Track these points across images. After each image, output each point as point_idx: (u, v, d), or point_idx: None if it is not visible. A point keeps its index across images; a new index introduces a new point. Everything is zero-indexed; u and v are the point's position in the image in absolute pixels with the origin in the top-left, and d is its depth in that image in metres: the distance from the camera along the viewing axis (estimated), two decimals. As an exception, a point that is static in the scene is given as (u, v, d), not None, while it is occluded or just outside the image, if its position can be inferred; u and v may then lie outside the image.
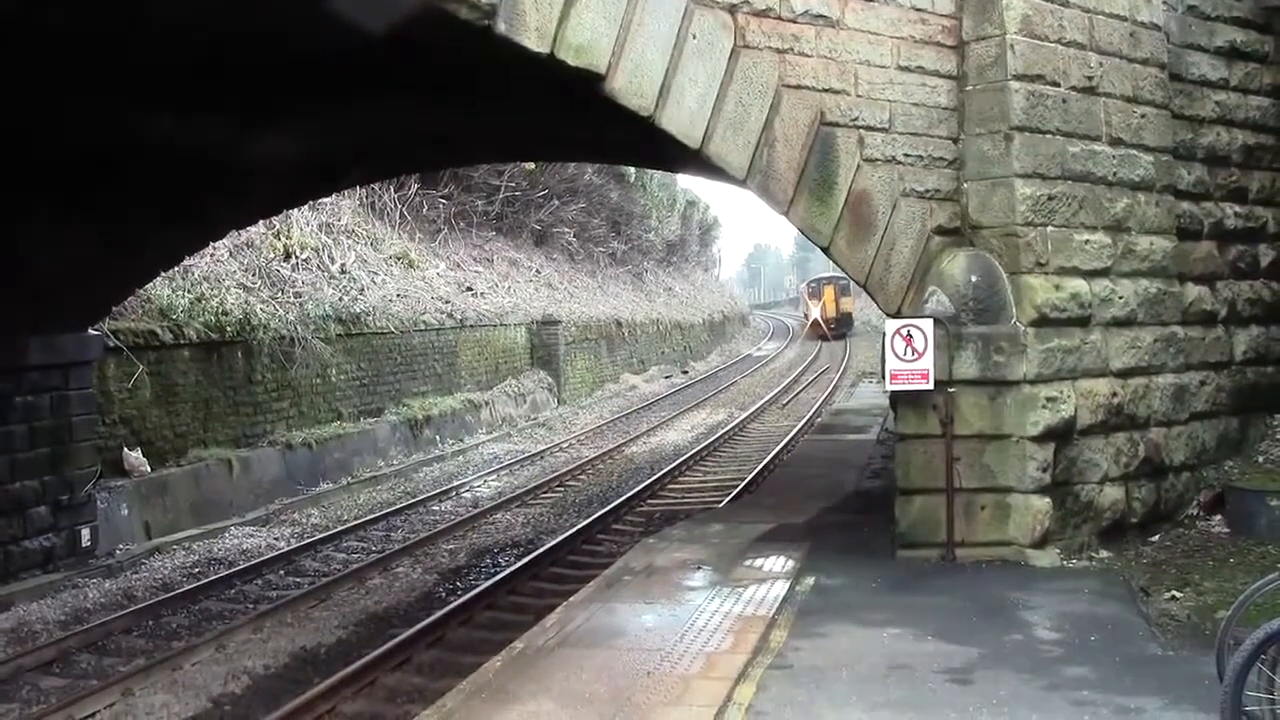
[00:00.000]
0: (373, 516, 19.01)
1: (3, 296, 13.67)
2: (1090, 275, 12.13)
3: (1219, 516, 13.01)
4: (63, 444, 15.45)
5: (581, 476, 23.17)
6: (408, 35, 9.40)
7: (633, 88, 9.85)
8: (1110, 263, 12.35)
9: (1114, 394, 12.16)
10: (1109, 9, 12.50)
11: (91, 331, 16.10)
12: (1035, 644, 8.86)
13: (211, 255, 21.65)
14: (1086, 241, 12.13)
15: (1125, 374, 12.37)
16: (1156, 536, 12.56)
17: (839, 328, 69.24)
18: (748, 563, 11.85)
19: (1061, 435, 11.61)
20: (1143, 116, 12.83)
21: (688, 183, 72.90)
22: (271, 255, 24.31)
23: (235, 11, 9.20)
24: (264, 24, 9.71)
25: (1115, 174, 12.48)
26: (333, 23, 8.45)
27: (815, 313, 71.35)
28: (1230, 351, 14.01)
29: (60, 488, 15.32)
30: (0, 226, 12.79)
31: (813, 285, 75.58)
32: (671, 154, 12.14)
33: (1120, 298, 12.36)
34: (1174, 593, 10.53)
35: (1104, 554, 11.79)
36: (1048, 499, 11.45)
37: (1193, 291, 13.46)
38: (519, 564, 14.85)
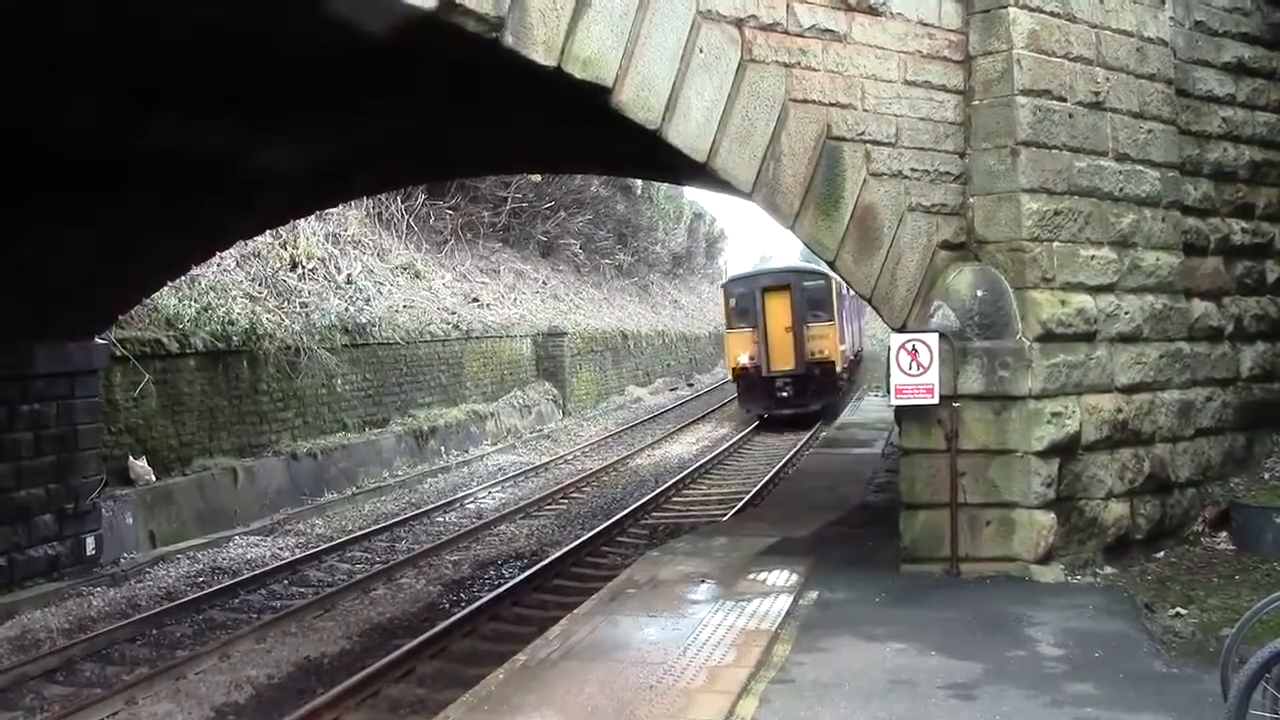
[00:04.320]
0: (377, 527, 19.03)
1: (9, 303, 13.71)
2: (1096, 291, 12.11)
3: (1224, 533, 12.97)
4: (68, 452, 15.49)
5: (586, 489, 23.18)
6: (414, 45, 9.44)
7: (640, 101, 9.86)
8: (1116, 278, 12.33)
9: (1119, 409, 12.14)
10: (1116, 24, 12.50)
11: (98, 340, 16.14)
12: (1039, 660, 8.82)
13: (218, 265, 21.71)
14: (1092, 257, 12.12)
15: (1131, 389, 12.34)
16: (1161, 553, 12.51)
17: (804, 395, 31.93)
18: (751, 576, 11.82)
19: (1066, 450, 11.59)
20: (1149, 132, 12.83)
21: (694, 194, 71.10)
22: (278, 265, 24.39)
23: (238, 18, 9.23)
24: (267, 31, 9.73)
25: (1121, 189, 12.47)
26: (338, 31, 8.48)
27: (743, 357, 32.41)
28: (1236, 368, 13.99)
29: (65, 496, 15.36)
30: (5, 232, 12.82)
31: (740, 292, 33.39)
32: (678, 166, 12.13)
33: (1126, 313, 12.34)
34: (1178, 610, 10.48)
35: (1108, 570, 11.75)
36: (1052, 514, 11.41)
37: (1199, 307, 13.44)
38: (523, 576, 14.85)
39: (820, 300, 32.04)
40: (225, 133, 11.82)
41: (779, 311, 31.82)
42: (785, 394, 31.63)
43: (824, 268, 28.36)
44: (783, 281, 32.34)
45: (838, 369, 32.48)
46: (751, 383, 32.48)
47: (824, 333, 31.85)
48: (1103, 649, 8.99)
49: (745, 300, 32.58)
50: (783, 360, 31.55)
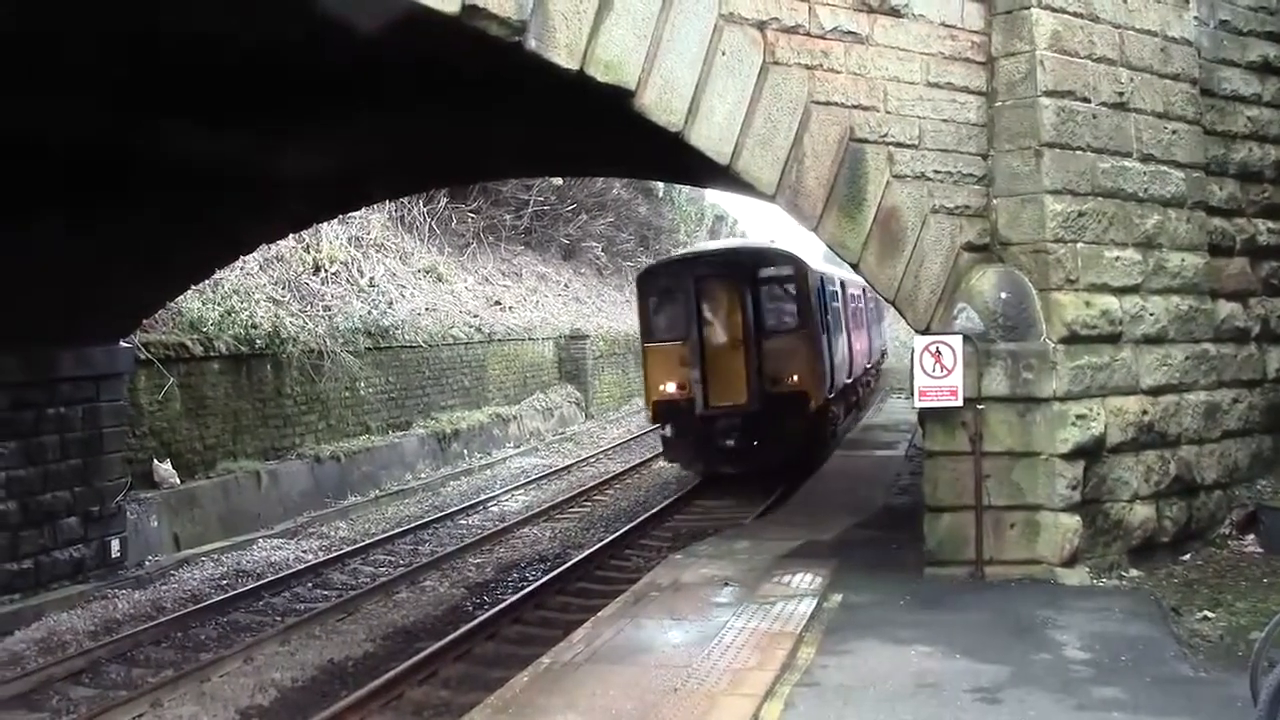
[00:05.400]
0: (400, 530, 19.07)
1: (34, 308, 13.79)
2: (1121, 292, 12.05)
3: (1252, 536, 12.88)
4: (93, 455, 15.56)
5: (609, 491, 23.16)
6: (437, 50, 9.45)
7: (662, 104, 9.85)
8: (1141, 279, 12.27)
9: (1144, 411, 12.06)
10: (1140, 24, 12.44)
11: (123, 344, 16.22)
12: (1065, 663, 8.79)
13: (242, 268, 21.79)
14: (1117, 258, 12.05)
15: (1156, 391, 12.27)
16: (1188, 555, 12.43)
17: (762, 443, 20.18)
18: (775, 579, 11.80)
19: (1091, 453, 11.52)
20: (1174, 132, 12.75)
21: (716, 197, 70.70)
22: (301, 269, 24.47)
23: (250, 24, 9.25)
24: (281, 37, 9.74)
25: (1146, 190, 12.40)
26: (348, 37, 8.46)
27: (669, 385, 20.57)
28: (1263, 369, 13.88)
29: (91, 499, 15.43)
30: (29, 238, 12.88)
31: (663, 286, 21.78)
32: (700, 169, 12.14)
33: (1151, 314, 12.28)
34: (1206, 613, 10.42)
35: (1134, 573, 11.69)
36: (1077, 517, 11.36)
37: (1225, 308, 13.34)
38: (546, 579, 14.86)
39: (787, 298, 21.08)
40: (233, 138, 11.82)
41: (723, 316, 20.64)
42: (731, 442, 20.45)
43: (794, 250, 22.43)
44: (728, 270, 21.01)
45: (813, 404, 20.69)
46: (681, 425, 20.90)
47: (792, 347, 20.59)
48: (1129, 652, 8.95)
49: (672, 299, 21.36)
50: (728, 391, 20.35)
